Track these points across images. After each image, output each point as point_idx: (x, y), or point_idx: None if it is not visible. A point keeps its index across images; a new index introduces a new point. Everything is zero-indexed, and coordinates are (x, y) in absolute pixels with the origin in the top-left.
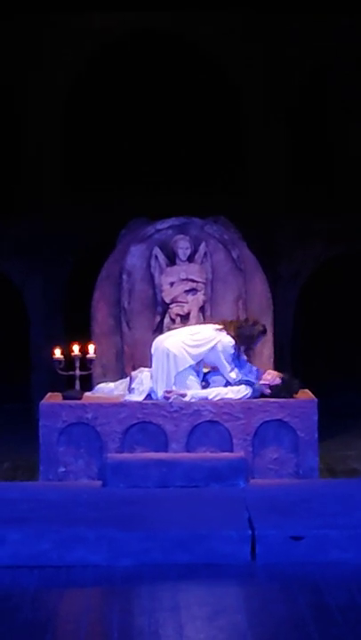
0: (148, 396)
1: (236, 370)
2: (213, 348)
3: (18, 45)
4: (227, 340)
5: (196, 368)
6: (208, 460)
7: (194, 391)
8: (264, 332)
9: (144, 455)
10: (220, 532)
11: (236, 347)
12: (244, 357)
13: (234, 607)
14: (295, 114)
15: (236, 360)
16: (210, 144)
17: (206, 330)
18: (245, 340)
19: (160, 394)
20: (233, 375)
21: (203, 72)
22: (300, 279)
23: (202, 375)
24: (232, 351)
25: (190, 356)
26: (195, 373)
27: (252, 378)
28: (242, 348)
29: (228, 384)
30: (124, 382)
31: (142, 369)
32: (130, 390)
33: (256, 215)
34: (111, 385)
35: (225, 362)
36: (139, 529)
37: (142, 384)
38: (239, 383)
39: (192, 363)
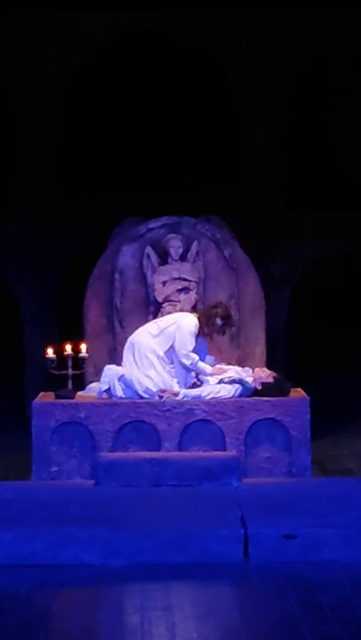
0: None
1: (191, 355)
2: (176, 327)
3: (14, 45)
4: (189, 319)
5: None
6: (201, 459)
7: (187, 390)
8: (224, 316)
9: (137, 454)
10: (212, 532)
11: (198, 329)
12: (205, 349)
13: (227, 606)
14: (290, 113)
15: (195, 344)
16: (204, 143)
17: (172, 315)
18: (205, 321)
19: (138, 387)
20: (186, 360)
21: (198, 71)
22: (292, 278)
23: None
24: (193, 329)
25: (157, 343)
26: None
27: (243, 376)
28: (205, 331)
29: (220, 381)
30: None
31: (108, 367)
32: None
33: (249, 214)
34: None
35: (182, 340)
36: (132, 528)
37: (102, 379)
38: (232, 382)
39: (155, 348)
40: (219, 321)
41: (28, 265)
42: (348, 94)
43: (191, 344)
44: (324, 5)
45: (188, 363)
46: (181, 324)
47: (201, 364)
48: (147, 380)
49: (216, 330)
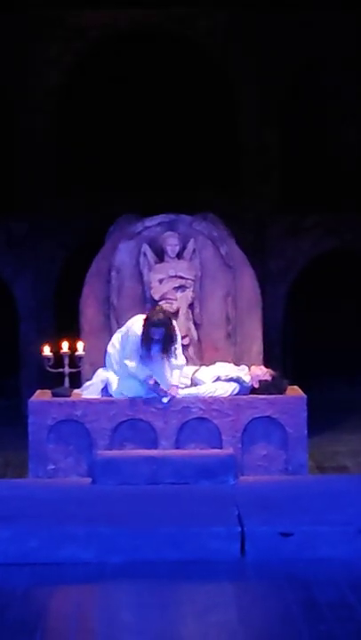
0: (105, 389)
1: (132, 362)
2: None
3: (11, 43)
4: (135, 327)
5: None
6: (197, 456)
7: (186, 390)
8: (153, 323)
9: (134, 452)
10: (209, 529)
11: (142, 337)
12: (158, 354)
13: (224, 604)
14: (288, 111)
15: (144, 349)
16: (201, 141)
17: (129, 321)
18: (143, 326)
19: (115, 388)
20: (127, 362)
21: (195, 68)
22: (289, 275)
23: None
24: (133, 338)
25: (121, 350)
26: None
27: (242, 374)
28: (149, 341)
29: (217, 379)
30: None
31: (99, 371)
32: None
33: (246, 212)
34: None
35: (126, 346)
36: (129, 526)
37: (92, 381)
38: (230, 381)
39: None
40: (153, 330)
41: (25, 263)
42: (346, 94)
43: (130, 357)
44: (322, 5)
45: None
46: (129, 333)
47: (142, 377)
48: (121, 381)
49: (151, 334)
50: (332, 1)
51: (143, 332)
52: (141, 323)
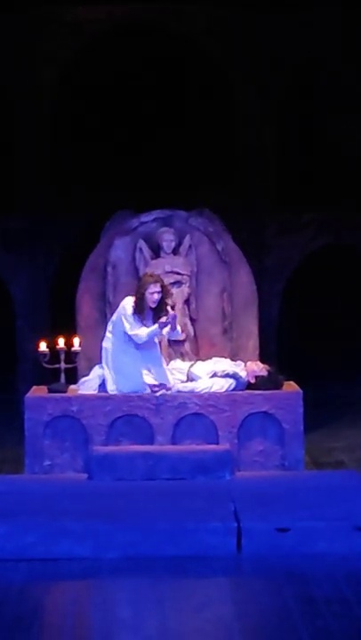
0: (102, 386)
1: (139, 328)
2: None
3: (11, 42)
4: (123, 302)
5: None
6: (194, 452)
7: (180, 385)
8: (151, 278)
9: (130, 448)
10: (206, 525)
11: (135, 304)
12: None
13: (220, 599)
14: (284, 107)
15: (139, 320)
16: (197, 137)
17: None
18: (137, 290)
19: (111, 384)
20: (134, 332)
21: (192, 64)
22: (285, 271)
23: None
24: (123, 311)
25: (115, 337)
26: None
27: (238, 370)
28: (145, 306)
29: (214, 375)
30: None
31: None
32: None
33: (242, 207)
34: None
35: (124, 320)
36: (125, 522)
37: (89, 377)
38: (226, 376)
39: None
40: (150, 289)
41: (21, 259)
42: (342, 89)
43: (130, 323)
44: (322, 5)
45: (138, 341)
46: (120, 311)
47: (147, 330)
48: (117, 377)
49: (147, 297)
50: (332, 1)
51: (137, 295)
52: (132, 299)
